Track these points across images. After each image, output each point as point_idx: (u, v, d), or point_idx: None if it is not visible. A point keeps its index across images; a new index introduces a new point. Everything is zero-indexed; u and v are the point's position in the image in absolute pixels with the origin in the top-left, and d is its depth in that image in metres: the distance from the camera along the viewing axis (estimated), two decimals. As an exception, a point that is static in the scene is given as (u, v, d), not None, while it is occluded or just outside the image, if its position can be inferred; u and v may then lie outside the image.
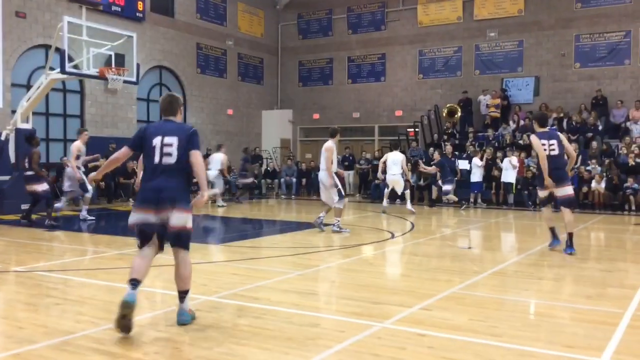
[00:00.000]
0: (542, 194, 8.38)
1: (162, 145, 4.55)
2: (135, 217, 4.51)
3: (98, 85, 17.46)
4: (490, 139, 19.20)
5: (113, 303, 5.18)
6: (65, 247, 9.01)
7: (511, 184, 16.27)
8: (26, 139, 11.24)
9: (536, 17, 20.58)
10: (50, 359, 3.82)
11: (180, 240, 4.57)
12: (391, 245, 9.11)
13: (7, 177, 13.52)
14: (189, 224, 4.54)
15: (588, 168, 16.17)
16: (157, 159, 4.54)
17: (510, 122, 19.81)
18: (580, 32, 19.92)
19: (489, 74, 21.38)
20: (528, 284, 6.46)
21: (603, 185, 15.62)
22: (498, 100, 20.18)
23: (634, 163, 15.94)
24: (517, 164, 16.21)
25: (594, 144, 17.20)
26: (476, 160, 16.63)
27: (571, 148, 8.41)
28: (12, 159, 13.57)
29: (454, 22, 21.91)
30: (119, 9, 18.50)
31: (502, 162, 16.72)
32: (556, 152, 8.02)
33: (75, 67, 13.49)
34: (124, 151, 4.77)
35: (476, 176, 16.58)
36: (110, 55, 13.84)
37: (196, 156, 4.57)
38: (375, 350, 3.99)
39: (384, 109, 23.34)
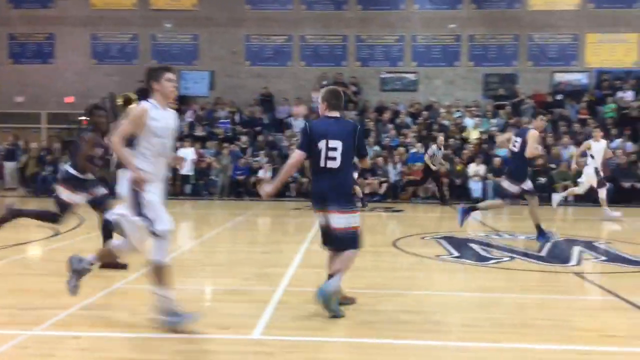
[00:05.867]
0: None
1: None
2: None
3: None
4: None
5: None
6: None
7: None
8: None
9: (210, 14, 21.30)
10: None
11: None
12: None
13: None
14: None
15: (257, 159, 17.48)
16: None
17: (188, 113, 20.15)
18: (249, 33, 21.36)
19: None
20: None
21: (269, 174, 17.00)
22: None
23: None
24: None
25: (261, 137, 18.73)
26: None
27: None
28: None
29: (130, 8, 21.34)
30: None
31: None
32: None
33: None
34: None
35: None
36: None
37: None
38: None
39: (53, 94, 21.39)
